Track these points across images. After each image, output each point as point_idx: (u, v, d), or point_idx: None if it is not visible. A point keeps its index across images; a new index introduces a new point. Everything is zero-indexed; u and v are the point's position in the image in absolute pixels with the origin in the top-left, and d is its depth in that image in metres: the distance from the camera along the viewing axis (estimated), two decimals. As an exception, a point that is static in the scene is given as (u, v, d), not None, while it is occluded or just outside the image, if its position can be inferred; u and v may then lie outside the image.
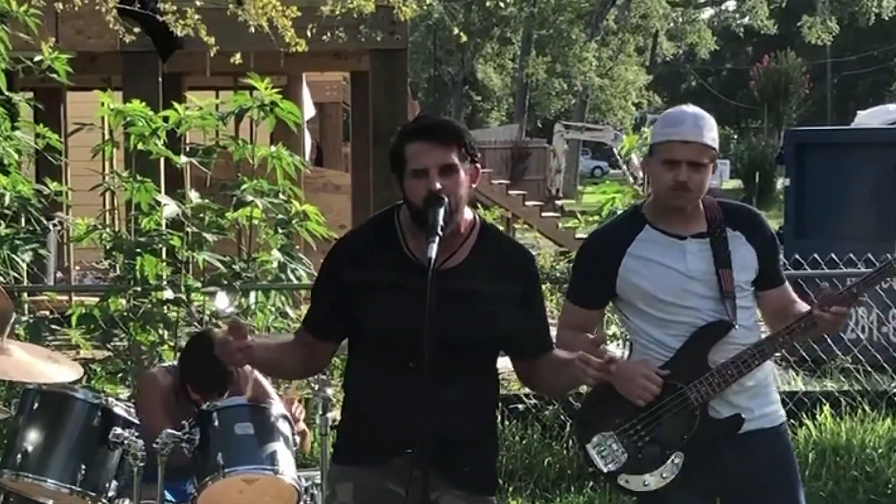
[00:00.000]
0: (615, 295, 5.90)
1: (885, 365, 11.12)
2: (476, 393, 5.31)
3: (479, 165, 5.22)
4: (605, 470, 5.84)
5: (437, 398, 4.85)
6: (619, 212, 11.33)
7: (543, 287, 11.57)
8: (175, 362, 7.84)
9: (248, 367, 7.63)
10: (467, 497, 5.29)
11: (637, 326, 5.90)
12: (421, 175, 5.02)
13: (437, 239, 4.85)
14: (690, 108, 5.94)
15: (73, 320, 10.10)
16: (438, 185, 4.97)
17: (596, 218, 11.85)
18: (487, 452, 5.48)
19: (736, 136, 66.98)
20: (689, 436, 5.70)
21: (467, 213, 5.25)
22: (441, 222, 4.90)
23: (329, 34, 12.68)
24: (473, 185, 5.20)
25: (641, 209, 5.92)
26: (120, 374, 9.98)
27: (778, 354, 6.11)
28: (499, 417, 8.23)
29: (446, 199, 4.94)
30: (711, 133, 5.79)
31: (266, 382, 7.65)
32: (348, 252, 5.38)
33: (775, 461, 5.86)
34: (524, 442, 10.30)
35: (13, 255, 9.79)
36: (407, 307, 4.85)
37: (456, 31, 21.04)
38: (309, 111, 22.86)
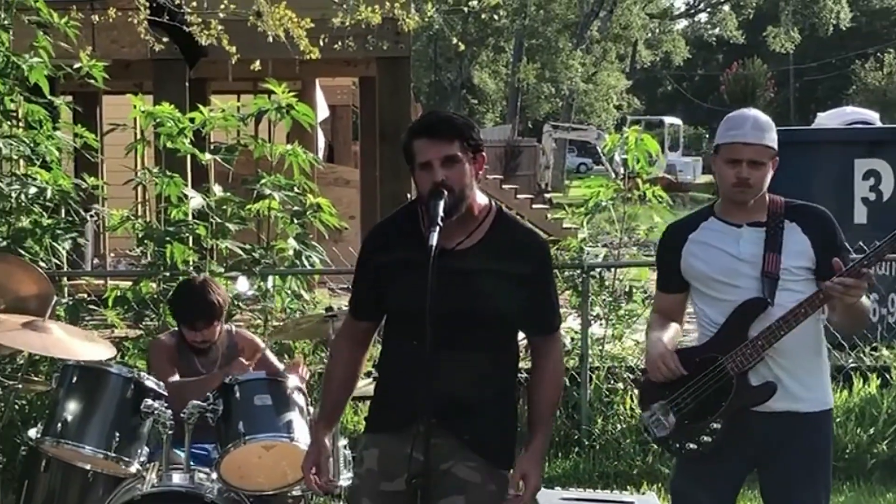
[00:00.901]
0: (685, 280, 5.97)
1: (842, 342, 11.13)
2: (486, 365, 5.30)
3: (484, 155, 5.25)
4: (657, 436, 5.94)
5: (448, 369, 4.95)
6: (603, 203, 11.42)
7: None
8: (173, 329, 7.93)
9: (260, 343, 7.74)
10: (480, 468, 5.25)
11: (698, 307, 5.96)
12: (426, 167, 5.08)
13: (437, 228, 4.90)
14: (751, 112, 5.91)
15: (109, 302, 10.13)
16: (441, 177, 5.02)
17: (581, 209, 11.85)
18: (499, 424, 5.38)
19: (708, 136, 66.97)
20: (727, 402, 5.70)
21: (482, 199, 5.29)
22: (441, 213, 4.96)
23: (340, 43, 12.67)
24: (480, 173, 5.22)
25: (713, 205, 5.98)
26: (152, 344, 10.00)
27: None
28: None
29: (446, 192, 4.99)
30: (770, 134, 5.78)
31: (274, 358, 7.73)
32: (377, 238, 5.50)
33: (804, 449, 5.78)
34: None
35: (54, 243, 9.81)
36: (421, 285, 4.84)
37: (454, 40, 21.07)
38: (322, 113, 22.83)
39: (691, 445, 5.83)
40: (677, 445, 5.90)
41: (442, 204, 4.99)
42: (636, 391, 10.22)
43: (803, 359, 5.79)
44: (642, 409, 6.04)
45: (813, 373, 5.86)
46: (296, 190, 10.46)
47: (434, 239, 4.88)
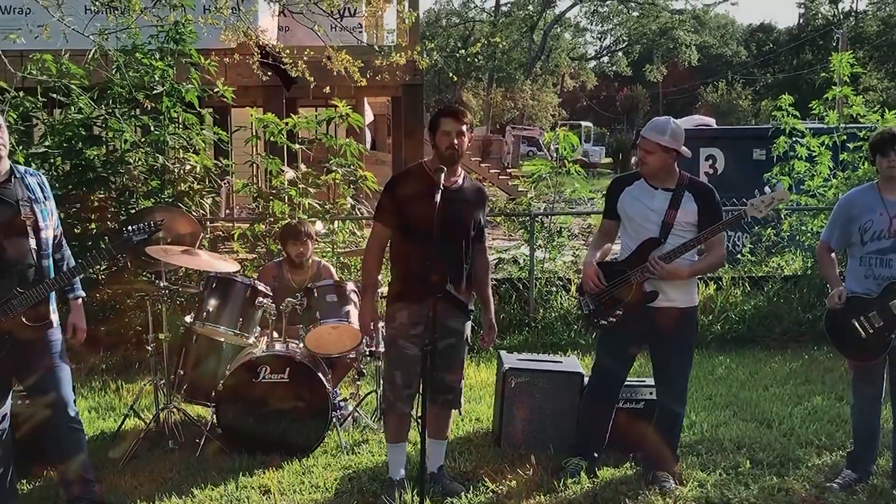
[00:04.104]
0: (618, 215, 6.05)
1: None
2: (466, 255, 5.71)
3: (472, 135, 5.78)
4: (585, 312, 6.10)
5: (449, 257, 5.54)
6: (543, 175, 11.47)
7: (500, 218, 11.53)
8: (279, 259, 7.99)
9: (334, 273, 7.80)
10: (461, 320, 5.75)
11: (622, 237, 6.06)
12: (447, 134, 5.55)
13: (439, 191, 5.30)
14: (663, 118, 6.00)
15: (235, 237, 10.14)
16: (456, 141, 5.52)
17: (530, 179, 11.89)
18: (469, 291, 5.81)
19: (608, 134, 66.80)
20: (628, 299, 5.86)
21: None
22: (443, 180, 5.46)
23: (379, 76, 12.60)
24: (468, 144, 5.65)
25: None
26: (260, 268, 10.03)
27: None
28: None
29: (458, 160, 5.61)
30: (664, 136, 5.83)
31: (332, 271, 7.77)
32: (401, 179, 5.81)
33: (677, 331, 5.91)
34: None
35: (201, 200, 9.81)
36: (430, 208, 5.27)
37: (450, 74, 21.00)
38: (368, 119, 22.73)
39: (603, 322, 5.98)
40: (595, 320, 6.03)
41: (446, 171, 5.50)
42: (574, 289, 10.31)
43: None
44: (579, 294, 6.16)
45: (687, 284, 5.95)
46: (351, 167, 10.47)
47: (438, 195, 5.22)
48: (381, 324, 6.68)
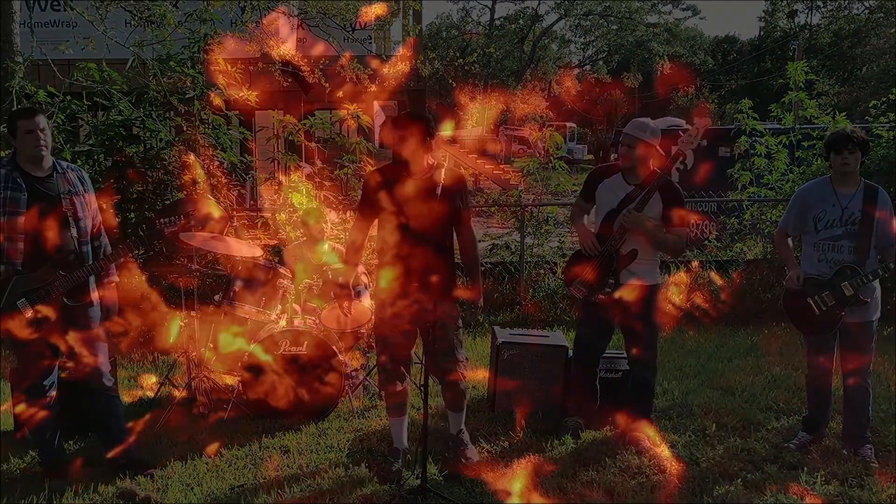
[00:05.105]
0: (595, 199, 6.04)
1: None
2: (447, 243, 5.48)
3: (435, 138, 5.39)
4: (579, 297, 6.01)
5: (433, 247, 5.27)
6: (532, 171, 11.45)
7: (493, 208, 11.47)
8: (296, 242, 7.99)
9: (339, 247, 7.70)
10: (448, 302, 5.45)
11: (595, 217, 6.04)
12: (403, 138, 5.27)
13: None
14: (643, 119, 5.94)
15: (258, 225, 10.07)
16: (408, 142, 5.22)
17: (521, 173, 11.88)
18: (452, 276, 5.52)
19: (590, 133, 66.72)
20: (613, 266, 5.83)
21: (433, 160, 5.43)
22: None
23: (387, 82, 12.56)
24: (432, 148, 5.37)
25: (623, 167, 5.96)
26: (283, 250, 10.01)
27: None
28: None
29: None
30: (644, 134, 5.77)
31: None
32: (378, 174, 5.48)
33: (644, 305, 5.86)
34: (484, 286, 10.26)
35: (228, 193, 9.74)
36: (407, 197, 5.19)
37: (449, 80, 20.91)
38: (378, 120, 22.68)
39: (601, 296, 5.90)
40: (591, 298, 5.93)
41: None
42: (560, 272, 10.32)
43: (646, 253, 5.84)
44: (568, 283, 6.07)
45: (651, 263, 5.93)
46: (361, 163, 10.42)
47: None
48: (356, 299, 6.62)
